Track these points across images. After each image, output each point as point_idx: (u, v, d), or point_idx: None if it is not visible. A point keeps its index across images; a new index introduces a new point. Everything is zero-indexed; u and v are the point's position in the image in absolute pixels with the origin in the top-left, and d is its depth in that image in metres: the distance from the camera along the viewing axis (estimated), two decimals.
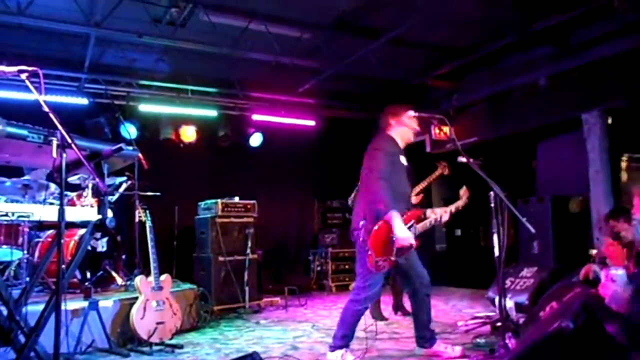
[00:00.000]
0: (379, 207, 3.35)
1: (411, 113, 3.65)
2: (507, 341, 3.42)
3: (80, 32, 5.70)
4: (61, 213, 2.21)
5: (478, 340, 4.16)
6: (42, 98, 2.34)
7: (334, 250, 8.31)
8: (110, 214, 2.52)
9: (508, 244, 4.03)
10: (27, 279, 5.08)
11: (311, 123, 8.65)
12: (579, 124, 6.30)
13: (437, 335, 3.86)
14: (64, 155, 2.20)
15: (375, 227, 3.40)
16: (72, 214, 2.40)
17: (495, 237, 3.26)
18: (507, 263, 4.62)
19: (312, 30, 6.19)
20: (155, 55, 6.82)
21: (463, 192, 3.87)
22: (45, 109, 2.29)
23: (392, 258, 3.45)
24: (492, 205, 3.28)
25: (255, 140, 8.25)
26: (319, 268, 8.50)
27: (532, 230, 3.18)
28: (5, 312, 2.19)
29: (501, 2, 5.53)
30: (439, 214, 3.74)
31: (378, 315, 5.28)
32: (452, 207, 3.81)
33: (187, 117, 7.75)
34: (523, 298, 5.16)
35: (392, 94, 8.51)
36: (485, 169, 4.77)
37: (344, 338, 3.67)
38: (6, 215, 2.14)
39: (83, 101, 7.03)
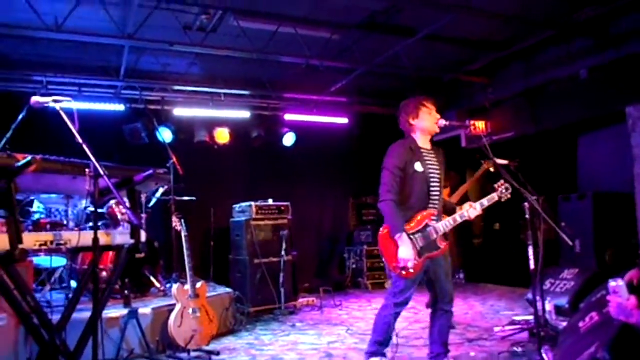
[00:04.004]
0: (389, 229, 3.40)
1: (442, 122, 3.51)
2: (544, 355, 3.35)
3: (114, 43, 5.82)
4: (95, 241, 2.28)
5: (515, 349, 4.09)
6: (75, 128, 2.40)
7: (370, 248, 8.29)
8: (144, 236, 2.57)
9: (549, 238, 3.92)
10: (72, 282, 5.35)
11: (344, 121, 8.62)
12: (622, 117, 6.04)
13: (448, 354, 3.62)
14: (97, 185, 2.26)
15: (381, 232, 3.45)
16: (107, 239, 2.47)
17: (530, 250, 3.17)
18: (548, 259, 4.47)
19: (342, 31, 6.14)
20: (188, 60, 6.92)
21: (499, 185, 3.52)
22: (79, 140, 2.35)
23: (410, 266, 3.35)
24: (527, 216, 3.18)
25: (289, 139, 8.28)
26: (354, 266, 8.51)
27: (570, 242, 3.07)
28: (47, 337, 2.28)
29: None
30: (466, 209, 3.47)
31: None
32: (484, 201, 3.48)
33: (221, 119, 7.85)
34: (563, 301, 5.02)
35: (425, 89, 8.39)
36: (523, 166, 4.67)
37: (377, 344, 3.61)
38: (45, 244, 2.21)
39: (120, 107, 7.21)
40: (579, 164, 7.07)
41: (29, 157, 1.97)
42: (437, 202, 3.53)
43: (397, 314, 3.63)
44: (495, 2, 5.42)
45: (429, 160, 3.54)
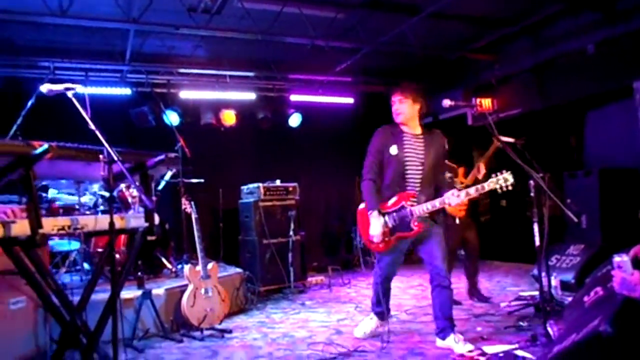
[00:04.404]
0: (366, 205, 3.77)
1: (447, 102, 3.56)
2: (549, 328, 3.42)
3: (119, 27, 5.83)
4: (112, 225, 2.35)
5: (521, 323, 4.17)
6: (88, 115, 2.45)
7: None
8: (157, 219, 2.64)
9: (555, 214, 3.96)
10: (85, 264, 5.48)
11: (349, 100, 8.62)
12: (630, 92, 6.01)
13: (454, 328, 3.72)
14: (111, 170, 2.32)
15: (359, 208, 3.87)
16: (122, 222, 2.54)
17: (535, 227, 3.21)
18: (554, 235, 4.52)
19: (346, 10, 6.10)
20: (193, 42, 6.91)
21: (496, 177, 3.40)
22: (92, 126, 2.40)
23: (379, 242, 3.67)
24: (532, 194, 3.22)
25: (295, 120, 8.31)
26: (361, 245, 8.59)
27: (575, 219, 3.11)
28: (68, 318, 2.37)
29: None
30: (447, 195, 3.48)
31: (478, 295, 5.29)
32: (471, 190, 3.45)
33: (227, 101, 7.87)
34: (569, 276, 5.07)
35: (430, 67, 8.36)
36: (530, 143, 4.69)
37: (375, 305, 4.14)
38: (63, 229, 2.28)
39: (126, 91, 7.25)
40: (586, 140, 7.05)
41: (46, 145, 2.03)
42: (416, 184, 3.67)
43: (382, 285, 3.98)
44: None
45: (409, 145, 3.68)
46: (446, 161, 4.12)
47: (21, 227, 2.09)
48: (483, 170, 4.98)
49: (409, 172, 3.65)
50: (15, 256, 2.24)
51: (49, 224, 2.22)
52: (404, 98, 3.71)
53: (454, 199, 3.47)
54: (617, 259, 2.38)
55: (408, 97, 3.70)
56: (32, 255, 2.21)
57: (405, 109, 3.71)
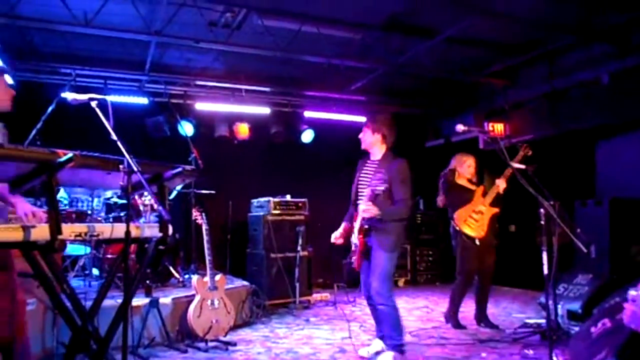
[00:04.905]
0: None
1: (460, 127, 3.62)
2: (555, 358, 3.41)
3: (142, 39, 5.95)
4: (127, 234, 2.40)
5: (526, 351, 4.14)
6: (111, 126, 2.52)
7: None
8: (171, 230, 2.69)
9: (565, 242, 3.96)
10: (94, 270, 5.54)
11: (363, 119, 8.65)
12: None
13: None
14: (130, 180, 2.38)
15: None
16: (137, 231, 2.60)
17: (544, 255, 3.22)
18: (563, 263, 4.50)
19: (363, 31, 6.20)
20: (212, 56, 7.03)
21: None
22: (114, 137, 2.47)
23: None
24: (542, 222, 3.23)
25: (307, 136, 8.38)
26: None
27: (584, 249, 3.11)
28: (80, 323, 2.41)
29: None
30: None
31: (454, 322, 5.20)
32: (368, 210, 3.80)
33: (241, 114, 7.97)
34: (576, 306, 5.04)
35: (443, 90, 8.43)
36: (541, 169, 4.70)
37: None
38: (80, 235, 2.34)
39: (144, 100, 7.36)
40: (598, 169, 7.05)
41: (70, 154, 2.09)
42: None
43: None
44: (516, 6, 5.43)
45: (365, 169, 4.11)
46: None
47: (41, 232, 2.14)
48: (503, 185, 4.95)
49: (360, 194, 4.05)
50: (33, 260, 2.30)
51: (67, 230, 2.27)
52: (365, 128, 4.12)
53: (362, 207, 3.82)
54: (632, 292, 2.38)
55: (368, 128, 4.09)
56: (49, 259, 2.26)
57: (365, 138, 4.12)
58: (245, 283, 5.85)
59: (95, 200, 5.66)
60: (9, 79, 2.94)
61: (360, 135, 4.17)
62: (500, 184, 4.95)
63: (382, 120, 4.12)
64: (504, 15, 5.53)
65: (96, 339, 2.45)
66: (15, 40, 6.19)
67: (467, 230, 4.95)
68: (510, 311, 6.09)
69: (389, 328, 3.91)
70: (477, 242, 4.96)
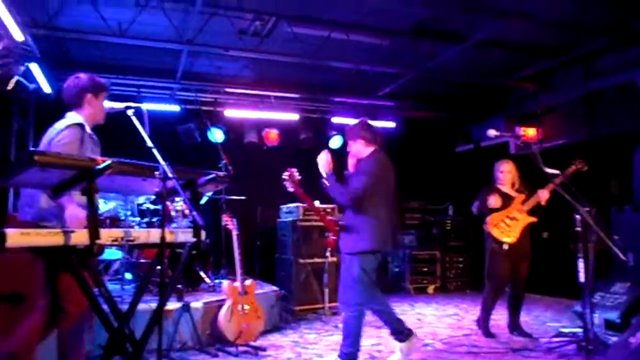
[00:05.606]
0: None
1: (492, 133, 3.57)
2: None
3: (174, 48, 6.08)
4: (162, 239, 2.46)
5: None
6: (146, 133, 2.58)
7: (413, 252, 8.30)
8: (204, 235, 2.73)
9: (602, 248, 3.86)
10: (127, 274, 5.66)
11: (391, 125, 8.66)
12: None
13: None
14: (165, 187, 2.43)
15: None
16: (171, 237, 2.64)
17: (580, 262, 3.15)
18: (599, 270, 4.36)
19: (391, 37, 6.20)
20: (241, 63, 7.14)
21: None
22: (149, 144, 2.53)
23: None
24: (578, 228, 3.16)
25: (336, 142, 8.39)
26: (397, 269, 8.53)
27: (622, 257, 3.03)
28: (116, 325, 2.47)
29: (595, 1, 5.24)
30: None
31: (484, 330, 5.09)
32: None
33: (270, 120, 8.04)
34: (614, 315, 4.90)
35: (473, 95, 8.34)
36: (576, 175, 4.60)
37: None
38: (116, 240, 2.39)
39: (175, 108, 7.51)
40: (635, 174, 6.84)
41: (109, 161, 2.15)
42: None
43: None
44: (548, 8, 5.35)
45: None
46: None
47: (80, 237, 2.20)
48: (546, 196, 4.83)
49: None
50: (72, 264, 2.36)
51: (105, 235, 2.32)
52: (348, 143, 4.16)
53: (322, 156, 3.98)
54: None
55: (347, 140, 4.18)
56: (87, 264, 2.33)
57: (351, 150, 4.17)
58: (275, 288, 5.88)
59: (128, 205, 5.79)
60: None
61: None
62: (543, 195, 4.79)
63: (353, 128, 4.14)
64: (535, 18, 5.45)
65: (132, 341, 2.50)
66: (52, 51, 6.40)
67: (496, 234, 4.84)
68: (544, 320, 5.95)
69: (345, 333, 3.85)
70: (506, 247, 4.81)
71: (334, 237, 4.05)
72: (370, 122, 4.24)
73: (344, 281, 3.89)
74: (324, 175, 3.88)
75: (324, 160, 4.01)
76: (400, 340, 4.06)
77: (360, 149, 4.05)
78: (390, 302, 4.22)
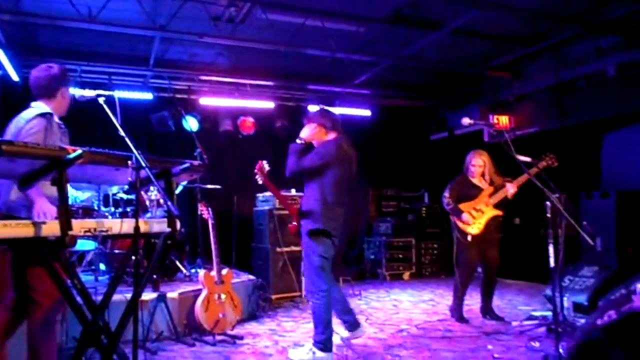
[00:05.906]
0: None
1: (466, 121, 3.61)
2: (561, 350, 3.42)
3: (146, 35, 5.96)
4: (137, 229, 2.42)
5: (532, 343, 4.15)
6: (118, 122, 2.53)
7: (388, 239, 8.38)
8: (178, 225, 2.71)
9: (571, 233, 3.97)
10: (100, 265, 5.58)
11: (367, 113, 8.68)
12: None
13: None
14: (138, 176, 2.40)
15: None
16: (145, 227, 2.61)
17: (550, 248, 3.23)
18: (568, 255, 4.50)
19: (368, 24, 6.19)
20: (215, 50, 7.04)
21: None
22: (122, 133, 2.48)
23: None
24: (549, 215, 3.24)
25: None
26: (372, 256, 8.61)
27: (591, 242, 3.12)
28: (90, 317, 2.44)
29: None
30: None
31: (457, 316, 5.16)
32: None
33: (245, 109, 7.98)
34: (582, 298, 5.06)
35: (448, 83, 8.41)
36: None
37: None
38: (89, 231, 2.35)
39: (148, 96, 7.38)
40: (603, 161, 7.03)
41: (80, 151, 2.10)
42: None
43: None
44: None
45: None
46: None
47: (51, 228, 2.16)
48: (512, 190, 4.92)
49: None
50: (44, 256, 2.32)
51: (77, 226, 2.28)
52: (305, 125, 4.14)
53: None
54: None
55: (305, 123, 4.14)
56: (60, 255, 2.28)
57: (306, 133, 4.10)
58: (251, 277, 5.87)
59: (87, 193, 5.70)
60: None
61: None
62: (510, 189, 4.90)
63: (314, 114, 4.17)
64: (509, 7, 5.51)
65: (107, 333, 2.47)
66: (19, 37, 6.21)
67: (461, 225, 4.98)
68: (516, 304, 6.10)
69: (315, 321, 3.91)
70: (469, 238, 4.96)
71: (294, 223, 4.10)
72: (329, 108, 4.26)
73: (307, 270, 3.96)
74: (299, 139, 3.93)
75: (310, 131, 4.03)
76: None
77: (317, 134, 4.07)
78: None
